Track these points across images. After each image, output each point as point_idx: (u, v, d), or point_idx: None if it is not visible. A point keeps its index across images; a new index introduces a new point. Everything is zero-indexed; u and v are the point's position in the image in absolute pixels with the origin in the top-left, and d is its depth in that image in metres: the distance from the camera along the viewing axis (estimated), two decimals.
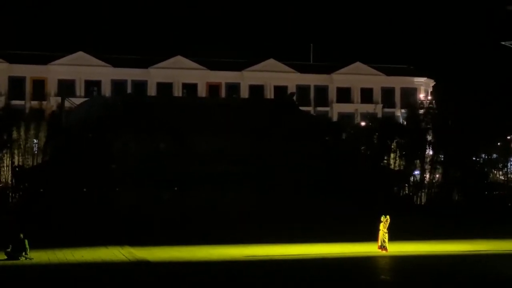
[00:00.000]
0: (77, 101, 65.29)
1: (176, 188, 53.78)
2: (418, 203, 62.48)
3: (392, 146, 62.89)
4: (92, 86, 77.89)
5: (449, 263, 32.11)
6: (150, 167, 52.05)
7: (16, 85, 75.68)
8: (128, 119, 54.55)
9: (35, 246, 33.37)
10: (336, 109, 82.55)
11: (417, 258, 33.83)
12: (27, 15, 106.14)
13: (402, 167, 62.74)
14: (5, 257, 32.04)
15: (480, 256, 34.80)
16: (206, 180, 52.02)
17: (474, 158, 65.31)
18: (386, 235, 35.21)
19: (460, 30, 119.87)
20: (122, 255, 33.72)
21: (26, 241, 32.40)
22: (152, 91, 78.30)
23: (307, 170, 54.30)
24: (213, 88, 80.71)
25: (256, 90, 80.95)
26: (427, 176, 63.94)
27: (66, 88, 74.87)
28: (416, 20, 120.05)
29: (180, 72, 79.66)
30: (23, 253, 32.16)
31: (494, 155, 66.47)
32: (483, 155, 66.43)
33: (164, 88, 78.85)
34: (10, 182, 56.29)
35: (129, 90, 77.37)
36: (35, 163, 57.62)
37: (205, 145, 53.57)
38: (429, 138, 64.97)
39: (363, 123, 69.97)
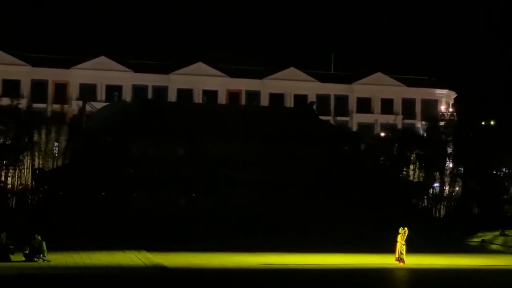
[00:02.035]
0: (98, 105, 65.67)
1: (193, 194, 53.91)
2: (437, 215, 62.00)
3: (412, 158, 62.52)
4: (113, 90, 78.31)
5: (467, 278, 31.79)
6: (167, 172, 52.24)
7: (38, 88, 76.26)
8: (147, 124, 54.84)
9: (52, 248, 33.56)
10: (356, 119, 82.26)
11: (434, 271, 33.54)
12: (50, 19, 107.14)
13: (421, 179, 62.34)
14: (23, 259, 32.28)
15: (498, 270, 34.43)
16: (223, 185, 52.09)
17: (494, 172, 64.75)
18: (404, 247, 34.97)
19: (484, 43, 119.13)
20: (139, 260, 33.80)
21: (44, 244, 32.61)
22: (172, 97, 78.57)
23: (324, 179, 54.17)
24: (233, 96, 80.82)
25: (276, 98, 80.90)
26: (447, 188, 63.47)
27: (87, 92, 75.34)
28: (439, 32, 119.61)
29: (200, 79, 79.89)
30: (41, 255, 32.36)
31: None
32: (504, 169, 65.85)
33: (185, 94, 79.07)
34: (30, 184, 56.70)
35: (149, 95, 77.68)
36: (55, 166, 58.01)
37: (221, 151, 53.70)
38: (449, 150, 64.51)
39: (382, 134, 69.66)
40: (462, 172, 63.75)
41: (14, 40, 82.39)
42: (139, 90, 78.30)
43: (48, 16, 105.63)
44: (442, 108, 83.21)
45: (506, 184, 64.92)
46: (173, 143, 54.60)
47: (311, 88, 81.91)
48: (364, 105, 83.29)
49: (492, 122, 66.87)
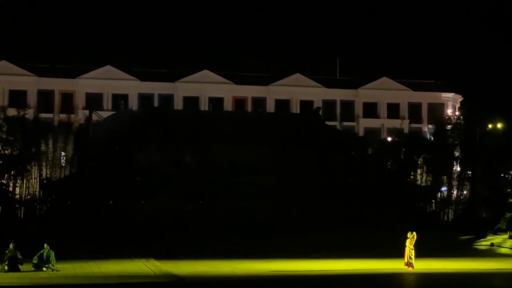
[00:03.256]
0: (105, 114, 65.79)
1: (200, 201, 53.95)
2: (445, 219, 61.80)
3: (419, 162, 62.36)
4: (119, 99, 78.48)
5: (476, 282, 31.65)
6: (174, 179, 52.31)
7: (44, 98, 76.51)
8: (153, 132, 54.95)
9: (61, 257, 33.59)
10: (362, 124, 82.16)
11: (443, 276, 33.41)
12: (55, 29, 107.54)
13: (429, 183, 62.16)
14: (32, 269, 32.32)
15: (507, 274, 34.25)
16: (230, 192, 52.14)
17: (502, 175, 64.51)
18: (413, 251, 34.86)
19: (489, 46, 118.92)
20: (148, 268, 33.79)
21: (52, 253, 32.64)
22: (178, 104, 78.67)
23: (332, 184, 54.12)
24: (239, 102, 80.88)
25: (282, 104, 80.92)
26: (455, 192, 63.28)
27: (93, 101, 75.52)
28: (444, 35, 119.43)
29: (206, 86, 80.00)
30: (50, 265, 32.38)
31: None
32: None
33: (191, 102, 79.18)
34: (38, 194, 56.79)
35: (155, 103, 77.81)
36: (62, 175, 58.12)
37: (228, 157, 53.76)
38: (457, 154, 64.32)
39: (389, 138, 69.54)
40: (470, 175, 63.55)
41: (20, 51, 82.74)
42: (145, 99, 78.46)
43: (53, 26, 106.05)
44: (449, 111, 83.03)
45: None
46: (180, 150, 54.70)
47: (317, 93, 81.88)
48: (370, 110, 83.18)
49: (499, 125, 66.66)
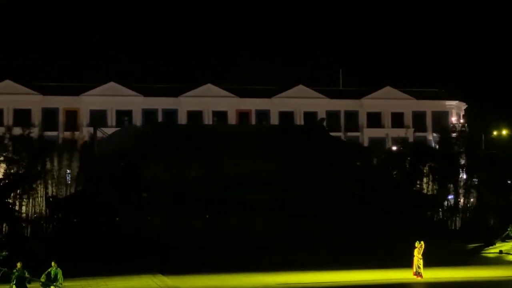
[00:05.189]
0: (109, 131, 65.94)
1: (207, 216, 53.88)
2: (453, 227, 61.61)
3: (425, 171, 62.26)
4: (123, 115, 78.67)
5: None
6: (181, 194, 52.29)
7: (49, 116, 76.75)
8: (159, 147, 55.00)
9: (68, 275, 33.52)
10: (367, 134, 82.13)
11: (453, 284, 33.24)
12: (58, 47, 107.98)
13: (435, 192, 62.04)
14: None
15: None
16: (237, 206, 52.08)
17: (509, 182, 64.36)
18: (421, 261, 34.74)
19: (492, 53, 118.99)
20: (155, 284, 33.71)
21: (60, 271, 32.55)
22: (182, 119, 78.82)
23: (338, 196, 54.03)
24: (243, 116, 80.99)
25: (286, 116, 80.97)
26: (461, 200, 63.11)
27: (98, 118, 75.78)
28: (446, 43, 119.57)
29: (210, 100, 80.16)
30: (58, 283, 32.29)
31: None
32: None
33: (195, 116, 79.33)
34: (44, 212, 56.84)
35: (160, 118, 77.93)
36: (68, 193, 58.19)
37: (234, 171, 53.74)
38: (462, 162, 64.21)
39: (394, 148, 69.48)
40: (476, 183, 63.40)
41: (24, 70, 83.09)
42: (149, 114, 78.60)
43: (56, 45, 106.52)
44: (453, 119, 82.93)
45: None
46: (186, 165, 54.72)
47: (321, 104, 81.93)
48: (375, 119, 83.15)
49: (504, 132, 66.58)
